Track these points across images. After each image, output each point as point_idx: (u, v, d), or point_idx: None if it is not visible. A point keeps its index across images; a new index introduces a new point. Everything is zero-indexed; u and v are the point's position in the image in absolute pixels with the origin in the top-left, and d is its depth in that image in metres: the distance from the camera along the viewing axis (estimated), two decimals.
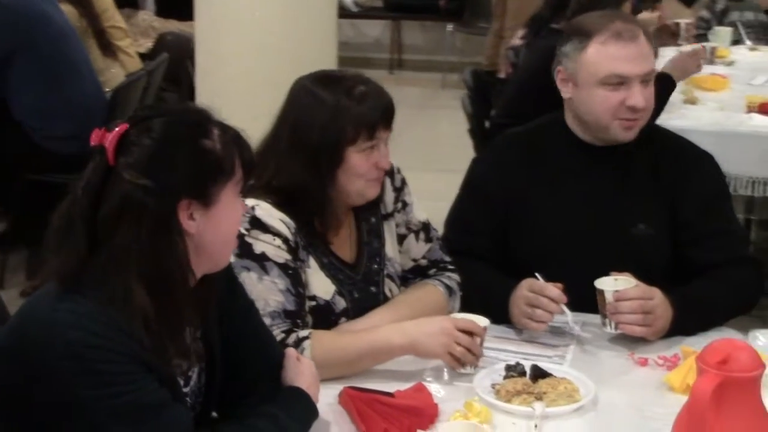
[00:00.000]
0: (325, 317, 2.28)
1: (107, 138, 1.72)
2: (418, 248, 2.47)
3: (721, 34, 5.84)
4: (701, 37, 5.81)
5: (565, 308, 2.35)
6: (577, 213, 2.57)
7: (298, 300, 2.21)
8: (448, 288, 2.44)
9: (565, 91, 2.61)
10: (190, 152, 1.74)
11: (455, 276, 2.47)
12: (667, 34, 5.72)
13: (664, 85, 4.17)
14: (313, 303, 2.28)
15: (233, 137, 1.80)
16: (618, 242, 2.54)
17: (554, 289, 2.35)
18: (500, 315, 2.42)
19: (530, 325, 2.38)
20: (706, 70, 5.02)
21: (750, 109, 4.38)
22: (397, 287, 2.43)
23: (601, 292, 2.33)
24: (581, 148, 2.60)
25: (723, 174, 2.63)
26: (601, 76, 2.51)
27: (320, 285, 2.29)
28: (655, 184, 2.56)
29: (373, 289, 2.38)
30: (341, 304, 2.31)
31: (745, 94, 4.61)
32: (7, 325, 1.80)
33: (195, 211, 1.75)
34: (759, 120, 4.27)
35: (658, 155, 2.59)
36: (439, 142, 7.22)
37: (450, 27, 9.15)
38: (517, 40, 5.69)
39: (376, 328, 2.22)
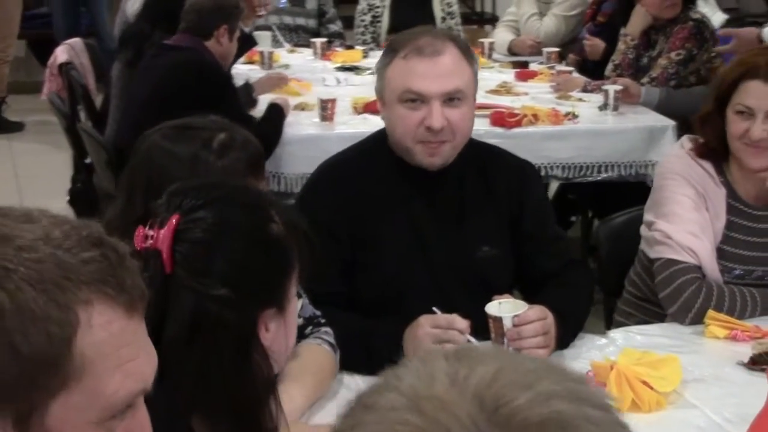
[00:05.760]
0: None
1: (159, 238, 1.24)
2: None
3: (262, 37, 5.77)
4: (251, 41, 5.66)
5: (471, 338, 2.16)
6: (418, 242, 2.39)
7: None
8: (331, 345, 2.14)
9: (380, 112, 2.40)
10: (262, 248, 1.36)
11: (330, 330, 2.16)
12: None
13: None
14: None
15: (288, 215, 1.42)
16: (464, 268, 2.40)
17: (462, 321, 2.14)
18: (385, 363, 2.16)
19: None
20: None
21: (357, 111, 4.37)
22: None
23: (498, 319, 2.18)
24: (412, 174, 2.40)
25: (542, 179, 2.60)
26: (399, 92, 2.35)
27: None
28: (492, 204, 2.45)
29: None
30: None
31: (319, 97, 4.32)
32: None
33: (270, 320, 1.36)
34: (374, 120, 4.28)
35: (488, 172, 2.48)
36: None
37: None
38: (64, 57, 5.19)
39: None
